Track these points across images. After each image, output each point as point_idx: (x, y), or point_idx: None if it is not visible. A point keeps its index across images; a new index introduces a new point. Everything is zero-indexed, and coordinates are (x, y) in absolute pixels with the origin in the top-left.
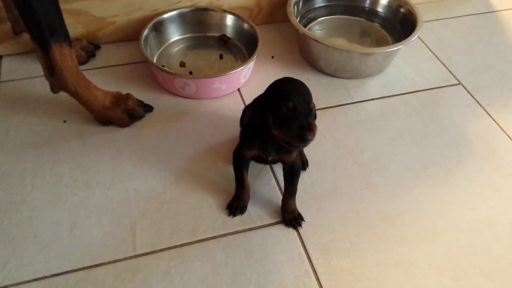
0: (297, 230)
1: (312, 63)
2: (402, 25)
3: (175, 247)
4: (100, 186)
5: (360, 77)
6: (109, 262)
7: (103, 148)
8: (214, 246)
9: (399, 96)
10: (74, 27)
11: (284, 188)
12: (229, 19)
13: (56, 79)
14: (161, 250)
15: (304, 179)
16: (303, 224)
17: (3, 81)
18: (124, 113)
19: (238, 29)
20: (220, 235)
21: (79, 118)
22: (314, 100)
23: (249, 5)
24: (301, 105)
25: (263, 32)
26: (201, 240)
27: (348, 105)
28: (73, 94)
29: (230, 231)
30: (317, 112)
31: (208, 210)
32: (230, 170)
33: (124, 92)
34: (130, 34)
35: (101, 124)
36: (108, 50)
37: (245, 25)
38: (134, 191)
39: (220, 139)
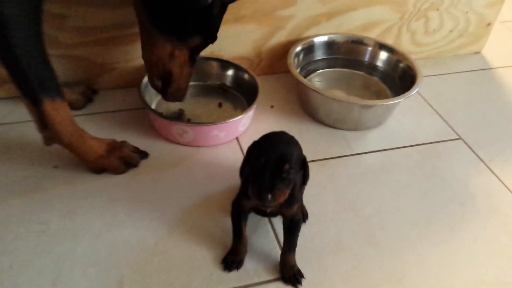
0: None
1: (312, 114)
2: (401, 80)
3: None
4: (88, 235)
5: (360, 129)
6: None
7: (94, 195)
8: None
9: (399, 149)
10: (74, 73)
11: (284, 242)
12: (230, 69)
13: (49, 132)
14: None
15: (304, 232)
16: (303, 281)
17: None
18: (119, 161)
19: (238, 78)
20: None
21: (70, 164)
22: (313, 151)
23: (250, 56)
24: (271, 163)
25: (262, 82)
26: None
27: (349, 157)
28: (67, 146)
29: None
30: (317, 164)
31: (202, 264)
32: (227, 222)
33: (119, 139)
34: (130, 81)
35: (95, 172)
36: (106, 95)
37: (245, 75)
38: (124, 242)
39: (217, 189)
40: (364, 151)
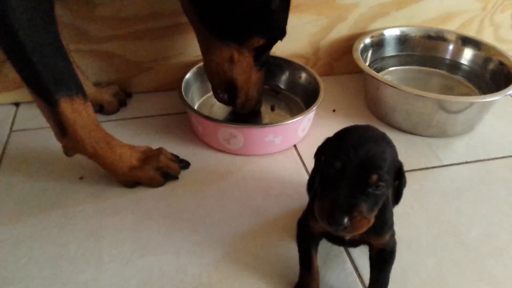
0: None
1: (384, 117)
2: (493, 78)
3: None
4: (115, 262)
5: (446, 136)
6: None
7: (125, 212)
8: None
9: (500, 159)
10: (105, 72)
11: (371, 279)
12: (283, 68)
13: (69, 140)
14: None
15: (393, 265)
16: None
17: (15, 130)
18: (155, 172)
19: (294, 79)
20: None
21: (98, 174)
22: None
23: (305, 54)
24: (352, 170)
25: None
26: None
27: (437, 169)
28: (92, 156)
29: None
30: None
31: None
32: (290, 249)
33: (155, 146)
34: (169, 83)
35: (127, 186)
36: (141, 99)
37: (303, 74)
38: (159, 271)
39: (274, 207)
40: (456, 162)
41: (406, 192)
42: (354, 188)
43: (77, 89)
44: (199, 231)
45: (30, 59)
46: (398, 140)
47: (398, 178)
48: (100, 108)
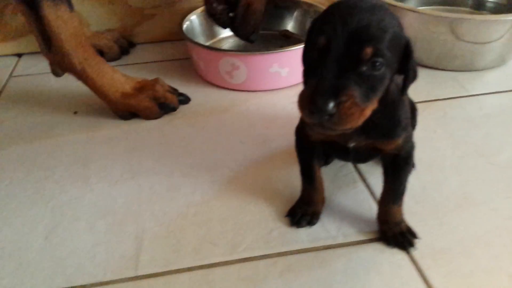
0: (408, 252)
1: None
2: None
3: (200, 267)
4: (103, 182)
5: (474, 69)
6: (92, 286)
7: (117, 141)
8: (266, 269)
9: None
10: (107, 19)
11: (384, 188)
12: (292, 9)
13: (56, 54)
14: (177, 272)
15: (411, 183)
16: (417, 242)
17: (14, 76)
18: (151, 101)
19: (304, 19)
20: (276, 253)
21: (94, 109)
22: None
23: None
24: (339, 44)
25: None
26: (244, 260)
27: (463, 98)
28: (81, 74)
29: (293, 249)
30: (419, 106)
31: (257, 218)
32: (292, 171)
33: None
34: (172, 33)
35: (121, 118)
36: (145, 48)
37: (313, 12)
38: (149, 190)
39: (280, 137)
40: (484, 92)
41: (428, 118)
42: (343, 67)
43: None
44: (195, 155)
45: None
46: (420, 75)
47: (406, 58)
48: (100, 54)
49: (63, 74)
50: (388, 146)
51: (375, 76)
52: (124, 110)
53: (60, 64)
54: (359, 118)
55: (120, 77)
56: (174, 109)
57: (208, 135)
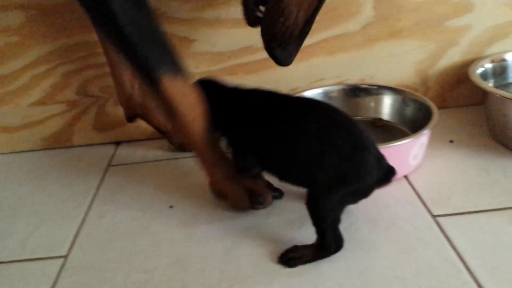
0: None
1: None
2: None
3: None
4: None
5: None
6: None
7: (214, 240)
8: None
9: None
10: None
11: None
12: (387, 98)
13: (177, 123)
14: None
15: None
16: None
17: (112, 165)
18: (242, 190)
19: (399, 109)
20: None
21: (189, 204)
22: None
23: (412, 84)
24: None
25: None
26: None
27: None
28: (199, 148)
29: None
30: None
31: None
32: None
33: None
34: None
35: (215, 195)
36: None
37: (410, 104)
38: None
39: (385, 240)
40: None
41: None
42: None
43: (180, 68)
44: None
45: (131, 44)
46: None
47: None
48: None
49: (181, 149)
50: None
51: None
52: (220, 191)
53: (182, 134)
54: None
55: (227, 161)
56: (265, 204)
57: (306, 238)
